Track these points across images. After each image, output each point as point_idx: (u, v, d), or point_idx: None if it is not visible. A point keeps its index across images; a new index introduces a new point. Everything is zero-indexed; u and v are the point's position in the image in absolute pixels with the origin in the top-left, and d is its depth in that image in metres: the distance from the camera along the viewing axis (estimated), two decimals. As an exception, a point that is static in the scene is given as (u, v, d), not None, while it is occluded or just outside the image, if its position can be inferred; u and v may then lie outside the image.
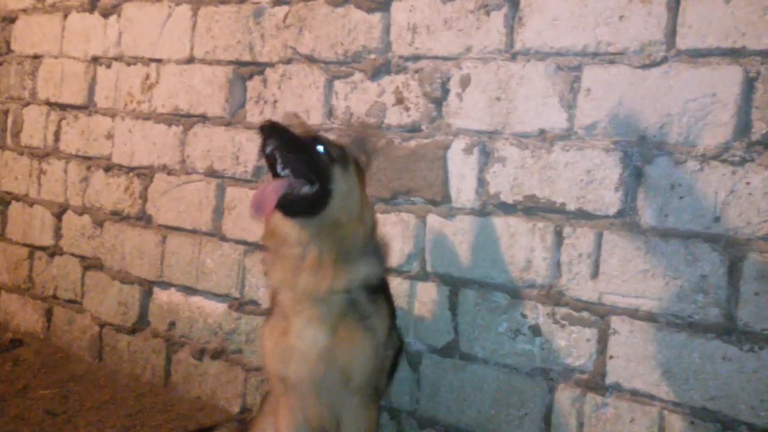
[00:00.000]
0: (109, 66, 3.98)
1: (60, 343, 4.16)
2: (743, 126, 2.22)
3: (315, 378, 2.16)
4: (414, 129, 2.89)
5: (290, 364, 2.18)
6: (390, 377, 2.47)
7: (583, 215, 2.50)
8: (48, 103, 4.30)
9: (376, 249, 2.31)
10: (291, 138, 2.09)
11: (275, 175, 2.12)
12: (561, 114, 2.55)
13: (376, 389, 2.32)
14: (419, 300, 2.87)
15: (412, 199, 2.89)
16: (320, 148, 2.15)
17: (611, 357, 2.45)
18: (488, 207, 2.71)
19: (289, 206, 2.06)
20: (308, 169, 2.09)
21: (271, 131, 2.03)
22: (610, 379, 2.45)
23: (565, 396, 2.54)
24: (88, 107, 4.09)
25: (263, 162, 3.28)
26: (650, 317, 2.37)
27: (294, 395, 2.23)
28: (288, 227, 2.14)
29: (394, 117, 2.93)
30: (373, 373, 2.25)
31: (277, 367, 2.23)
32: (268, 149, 2.05)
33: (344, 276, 2.15)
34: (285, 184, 2.05)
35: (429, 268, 2.86)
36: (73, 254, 4.15)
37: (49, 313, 4.26)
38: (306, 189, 2.08)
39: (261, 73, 3.34)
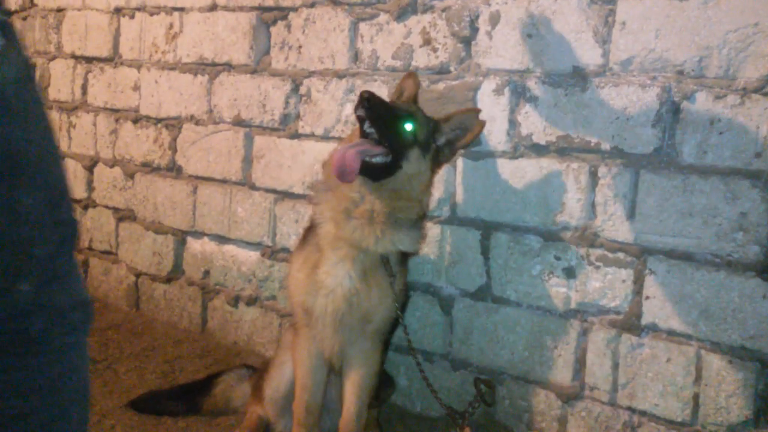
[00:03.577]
0: (132, 17, 3.94)
1: (97, 293, 4.25)
2: (788, 56, 2.13)
3: (337, 314, 2.30)
4: (442, 71, 2.82)
5: (318, 297, 2.31)
6: (394, 327, 2.55)
7: (618, 154, 2.44)
8: (74, 57, 4.30)
9: (421, 227, 2.43)
10: (381, 112, 2.21)
11: (362, 132, 2.24)
12: (595, 50, 2.46)
13: (384, 336, 2.47)
14: (451, 245, 2.86)
15: (441, 142, 2.84)
16: (409, 125, 2.26)
17: (647, 297, 2.42)
18: (520, 149, 2.66)
19: (361, 170, 2.18)
20: (388, 143, 2.21)
21: (365, 101, 2.14)
22: (646, 320, 2.43)
23: (599, 337, 2.53)
24: (113, 59, 4.08)
25: (290, 110, 3.26)
26: (688, 257, 2.33)
27: (314, 327, 2.37)
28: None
29: (421, 59, 2.86)
30: (388, 322, 2.42)
31: (304, 299, 2.35)
32: (359, 113, 2.18)
33: (387, 242, 2.29)
34: (363, 150, 2.18)
35: (460, 213, 2.83)
36: (106, 206, 4.20)
37: (85, 265, 4.35)
38: (379, 159, 2.21)
39: (284, 18, 3.27)
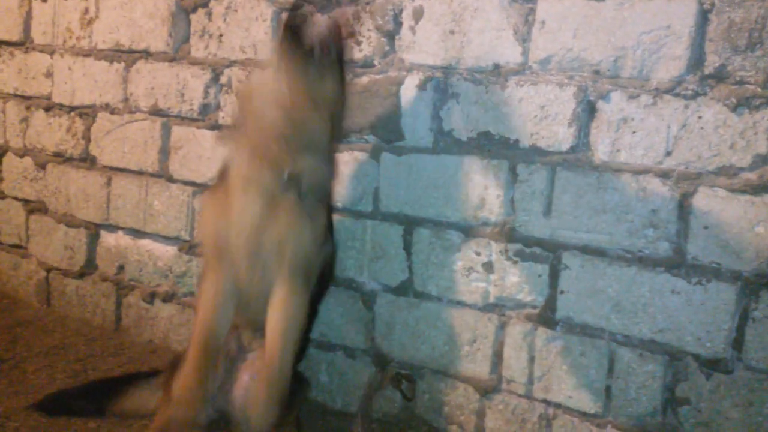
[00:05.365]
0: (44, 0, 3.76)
1: (6, 289, 4.05)
2: (696, 59, 2.20)
3: (251, 245, 2.24)
4: (366, 64, 2.80)
5: (231, 227, 2.25)
6: (325, 285, 2.52)
7: (536, 152, 2.48)
8: (-20, 39, 4.06)
9: (331, 159, 2.40)
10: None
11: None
12: (515, 48, 2.49)
13: (307, 279, 2.36)
14: (373, 240, 2.84)
15: (365, 137, 2.82)
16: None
17: (562, 292, 2.47)
18: (442, 144, 2.66)
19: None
20: None
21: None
22: (560, 314, 2.47)
23: (516, 331, 2.56)
24: (24, 44, 3.88)
25: (210, 100, 3.18)
26: (601, 252, 2.39)
27: (228, 263, 2.29)
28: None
29: (345, 52, 2.83)
30: (307, 255, 2.31)
31: (217, 229, 2.29)
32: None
33: (298, 163, 2.23)
34: None
35: (383, 208, 2.82)
36: (15, 198, 3.99)
37: (-8, 259, 4.13)
38: None
39: (205, 5, 3.18)
